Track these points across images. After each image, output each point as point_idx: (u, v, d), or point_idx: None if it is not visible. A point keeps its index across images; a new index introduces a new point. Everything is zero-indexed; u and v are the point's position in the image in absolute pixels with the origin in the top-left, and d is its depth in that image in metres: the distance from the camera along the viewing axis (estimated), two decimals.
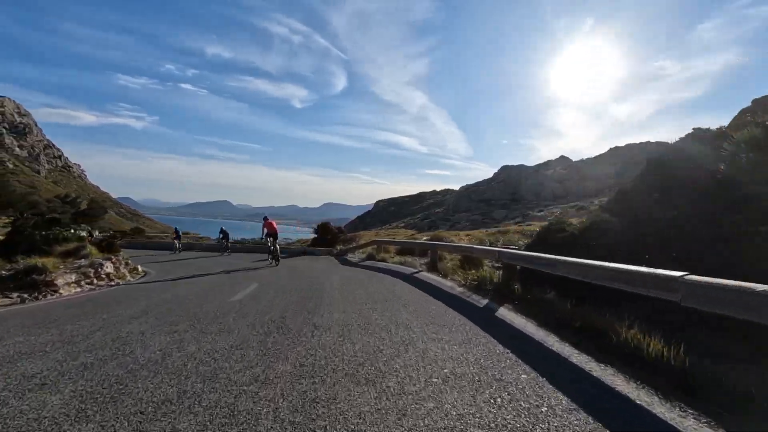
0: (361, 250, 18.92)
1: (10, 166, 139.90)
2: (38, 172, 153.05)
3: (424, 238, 20.93)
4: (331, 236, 23.85)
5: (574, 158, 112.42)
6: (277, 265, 14.18)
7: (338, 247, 21.23)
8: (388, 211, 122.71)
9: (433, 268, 10.72)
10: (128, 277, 11.98)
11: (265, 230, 15.31)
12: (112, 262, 12.32)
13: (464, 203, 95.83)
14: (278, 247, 14.89)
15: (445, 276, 9.25)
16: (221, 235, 23.47)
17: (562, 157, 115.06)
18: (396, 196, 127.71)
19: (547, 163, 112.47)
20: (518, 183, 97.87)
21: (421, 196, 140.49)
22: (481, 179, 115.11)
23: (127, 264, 13.90)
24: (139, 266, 14.28)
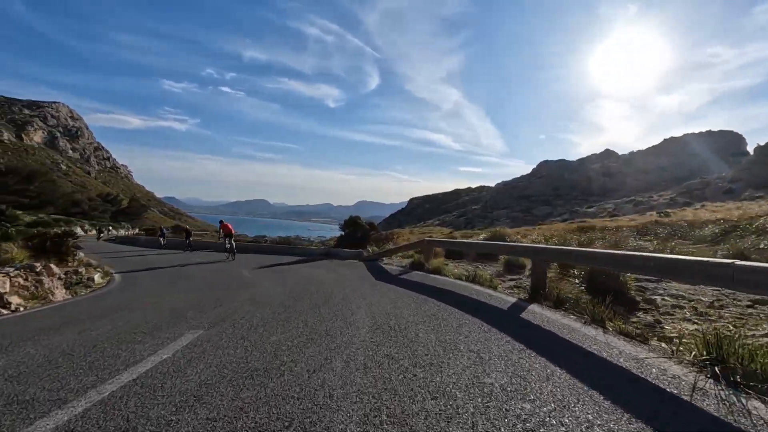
0: (400, 254, 14.22)
1: (64, 167, 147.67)
2: (89, 173, 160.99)
3: (482, 236, 15.94)
4: (362, 234, 19.32)
5: (618, 152, 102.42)
6: (233, 260, 15.34)
7: (370, 249, 16.62)
8: (423, 208, 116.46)
9: (542, 294, 5.81)
10: (55, 296, 7.90)
11: (222, 231, 16.84)
12: (35, 273, 8.31)
13: (503, 200, 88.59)
14: (234, 244, 16.51)
15: (599, 322, 4.26)
16: (184, 234, 25.37)
17: (607, 150, 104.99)
18: (430, 193, 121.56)
19: (591, 157, 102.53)
20: (561, 178, 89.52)
21: (456, 193, 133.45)
22: (518, 176, 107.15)
23: (76, 273, 9.95)
24: (96, 275, 10.30)
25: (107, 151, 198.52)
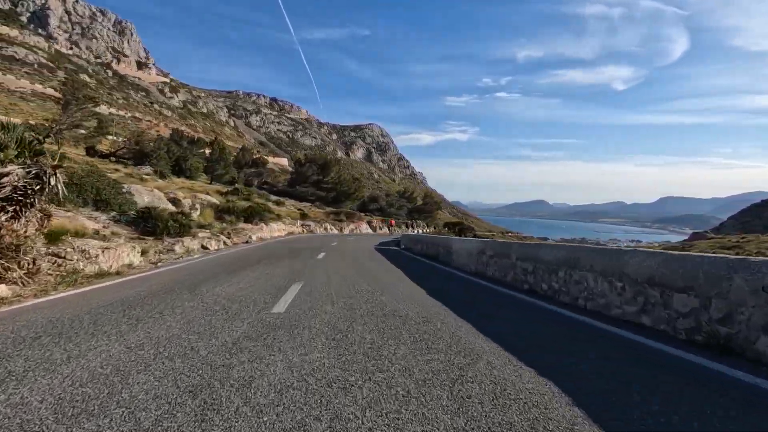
0: None
1: (375, 176, 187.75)
2: (393, 180, 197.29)
3: None
4: None
5: None
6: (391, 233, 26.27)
7: None
8: None
9: None
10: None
11: (390, 223, 37.53)
12: None
13: None
14: (397, 231, 32.44)
15: None
16: (391, 224, 30.01)
17: None
18: None
19: None
20: None
21: None
22: None
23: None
24: None
25: (407, 161, 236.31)
